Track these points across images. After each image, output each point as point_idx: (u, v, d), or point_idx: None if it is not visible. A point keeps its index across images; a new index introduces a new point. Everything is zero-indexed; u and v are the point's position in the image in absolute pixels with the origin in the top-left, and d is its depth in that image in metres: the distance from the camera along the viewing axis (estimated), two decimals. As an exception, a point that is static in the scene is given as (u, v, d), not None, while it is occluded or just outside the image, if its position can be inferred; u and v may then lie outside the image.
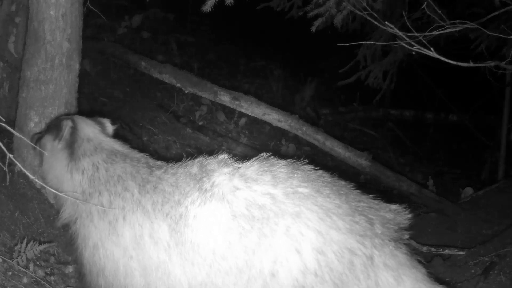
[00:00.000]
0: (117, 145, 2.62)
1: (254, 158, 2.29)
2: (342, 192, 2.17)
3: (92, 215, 2.36)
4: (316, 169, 2.27)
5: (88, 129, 2.63)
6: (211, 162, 2.33)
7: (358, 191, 2.24)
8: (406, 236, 2.17)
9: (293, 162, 2.27)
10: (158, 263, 2.22)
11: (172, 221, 2.21)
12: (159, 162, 2.53)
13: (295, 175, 2.18)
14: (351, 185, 2.26)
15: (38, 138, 2.73)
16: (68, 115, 3.00)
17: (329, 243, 2.01)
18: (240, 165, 2.28)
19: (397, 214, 2.19)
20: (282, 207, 2.07)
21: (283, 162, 2.26)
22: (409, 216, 2.19)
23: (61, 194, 2.34)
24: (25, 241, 2.84)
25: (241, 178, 2.19)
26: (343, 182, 2.25)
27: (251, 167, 2.23)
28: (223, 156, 2.35)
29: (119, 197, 2.35)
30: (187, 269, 2.16)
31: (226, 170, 2.26)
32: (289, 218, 2.05)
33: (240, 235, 2.07)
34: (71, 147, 2.54)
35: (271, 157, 2.29)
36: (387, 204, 2.22)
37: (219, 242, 2.10)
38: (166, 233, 2.21)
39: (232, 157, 2.37)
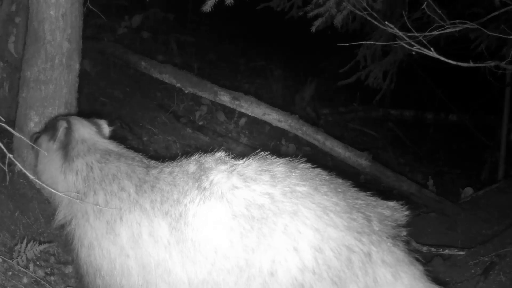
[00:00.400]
0: (111, 146, 2.62)
1: (251, 156, 2.29)
2: (339, 190, 2.18)
3: (87, 214, 2.36)
4: (314, 168, 2.27)
5: (84, 130, 2.64)
6: (208, 160, 2.33)
7: (355, 189, 2.25)
8: (404, 233, 2.18)
9: (291, 160, 2.28)
10: (158, 261, 2.22)
11: (172, 219, 2.22)
12: (153, 162, 2.54)
13: (293, 174, 2.19)
14: (349, 183, 2.26)
15: (36, 137, 2.73)
16: (67, 115, 3.00)
17: (327, 240, 2.02)
18: (237, 162, 2.29)
19: (395, 211, 2.20)
20: (280, 206, 2.08)
21: (281, 161, 2.26)
22: (407, 213, 2.20)
23: (59, 194, 2.34)
24: (25, 241, 2.84)
25: (240, 177, 2.19)
26: (340, 180, 2.26)
27: (249, 166, 2.24)
28: (220, 154, 2.36)
29: (115, 197, 2.35)
30: (188, 267, 2.17)
31: (223, 167, 2.27)
32: (287, 217, 2.06)
33: (241, 234, 2.08)
34: (65, 148, 2.55)
35: (269, 155, 2.30)
36: (385, 201, 2.23)
37: (220, 241, 2.11)
38: (166, 231, 2.22)
39: (229, 155, 2.37)
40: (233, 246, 2.09)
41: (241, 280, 2.08)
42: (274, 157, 2.30)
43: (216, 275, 2.12)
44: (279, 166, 2.22)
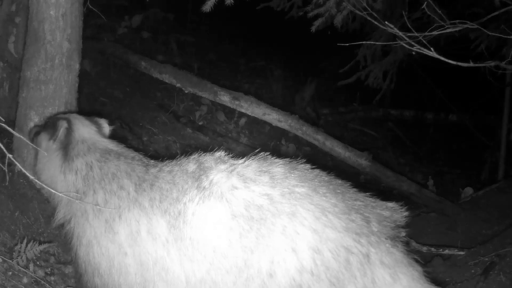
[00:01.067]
0: (111, 145, 2.62)
1: (250, 155, 2.29)
2: (338, 191, 2.18)
3: (87, 213, 2.36)
4: (313, 168, 2.27)
5: (84, 129, 2.64)
6: (208, 160, 2.33)
7: (354, 189, 2.25)
8: (403, 234, 2.17)
9: (291, 161, 2.28)
10: (156, 258, 2.22)
11: (170, 217, 2.22)
12: (153, 161, 2.54)
13: (292, 175, 2.19)
14: (348, 184, 2.26)
15: (36, 132, 2.72)
16: (67, 113, 2.99)
17: (325, 241, 2.02)
18: (236, 162, 2.29)
19: (394, 212, 2.19)
20: (279, 207, 2.08)
21: (280, 161, 2.26)
22: (406, 213, 2.20)
23: (59, 194, 2.34)
24: (25, 241, 2.84)
25: (240, 178, 2.19)
26: (339, 181, 2.25)
27: (249, 167, 2.24)
28: (220, 153, 2.36)
29: (114, 195, 2.35)
30: (185, 265, 2.17)
31: (223, 167, 2.27)
32: (286, 218, 2.06)
33: (240, 235, 2.08)
34: (65, 148, 2.55)
35: (269, 155, 2.30)
36: (384, 202, 2.23)
37: (219, 240, 2.11)
38: (165, 229, 2.22)
39: (229, 155, 2.37)
40: (232, 246, 2.09)
41: (239, 280, 2.08)
42: (274, 157, 2.30)
43: (215, 274, 2.12)
44: (278, 167, 2.22)
